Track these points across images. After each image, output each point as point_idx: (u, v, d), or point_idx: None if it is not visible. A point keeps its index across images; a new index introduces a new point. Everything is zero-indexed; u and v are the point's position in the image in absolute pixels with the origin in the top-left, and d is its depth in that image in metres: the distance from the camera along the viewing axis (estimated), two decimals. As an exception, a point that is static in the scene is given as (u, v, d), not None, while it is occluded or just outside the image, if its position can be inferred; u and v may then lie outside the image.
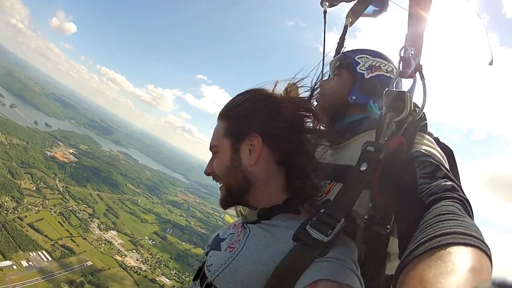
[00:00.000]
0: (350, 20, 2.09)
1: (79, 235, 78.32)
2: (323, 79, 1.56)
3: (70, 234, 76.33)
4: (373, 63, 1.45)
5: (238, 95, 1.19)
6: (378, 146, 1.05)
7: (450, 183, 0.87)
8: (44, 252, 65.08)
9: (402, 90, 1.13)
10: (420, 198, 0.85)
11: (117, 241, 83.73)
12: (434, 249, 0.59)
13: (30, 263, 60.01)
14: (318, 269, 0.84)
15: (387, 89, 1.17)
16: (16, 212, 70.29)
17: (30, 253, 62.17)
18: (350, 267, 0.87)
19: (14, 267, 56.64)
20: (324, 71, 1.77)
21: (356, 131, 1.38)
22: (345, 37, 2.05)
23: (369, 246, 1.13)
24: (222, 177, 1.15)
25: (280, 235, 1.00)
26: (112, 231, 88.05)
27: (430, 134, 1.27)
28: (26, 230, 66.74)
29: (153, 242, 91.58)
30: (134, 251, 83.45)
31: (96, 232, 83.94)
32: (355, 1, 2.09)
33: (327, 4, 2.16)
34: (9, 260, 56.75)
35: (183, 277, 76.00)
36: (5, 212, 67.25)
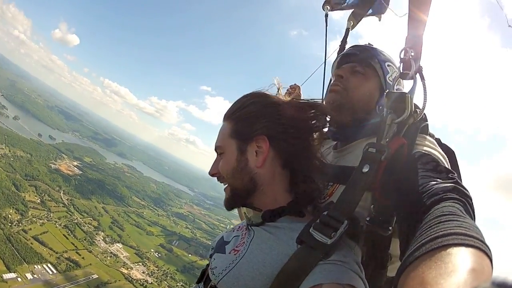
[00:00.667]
0: (352, 23, 2.15)
1: (85, 248, 77.46)
2: (341, 68, 1.51)
3: (75, 247, 75.53)
4: (397, 75, 1.37)
5: (245, 97, 1.19)
6: (380, 148, 1.05)
7: (451, 184, 0.86)
8: (49, 265, 64.19)
9: (403, 91, 1.14)
10: (421, 199, 0.85)
11: (122, 254, 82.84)
12: (434, 250, 0.59)
13: (35, 275, 59.09)
14: (322, 271, 0.84)
15: (387, 90, 1.18)
16: (20, 224, 69.69)
17: (35, 266, 61.34)
18: (354, 269, 0.87)
19: (19, 279, 55.69)
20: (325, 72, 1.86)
21: (360, 134, 1.39)
22: (347, 40, 2.08)
23: (371, 248, 1.13)
24: (227, 178, 1.14)
25: (284, 238, 1.00)
26: (117, 244, 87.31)
27: (432, 135, 1.27)
28: (31, 243, 66.04)
29: (159, 255, 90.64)
30: (140, 263, 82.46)
31: (102, 245, 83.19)
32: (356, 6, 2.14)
33: (329, 7, 2.19)
34: (14, 272, 55.91)
35: (190, 289, 74.30)
36: (10, 224, 66.71)
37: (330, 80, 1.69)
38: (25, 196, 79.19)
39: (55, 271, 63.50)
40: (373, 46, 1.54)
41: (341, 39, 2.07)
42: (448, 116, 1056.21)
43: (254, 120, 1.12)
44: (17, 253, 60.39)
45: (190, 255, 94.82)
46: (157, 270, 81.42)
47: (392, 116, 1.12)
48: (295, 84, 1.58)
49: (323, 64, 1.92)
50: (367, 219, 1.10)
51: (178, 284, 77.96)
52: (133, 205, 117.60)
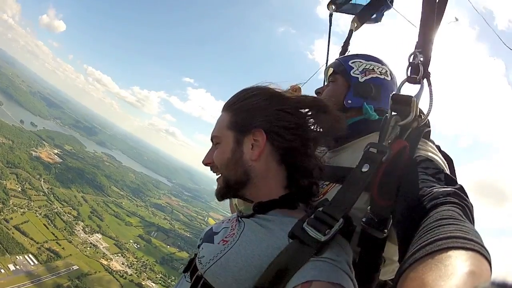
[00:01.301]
0: (356, 25, 2.15)
1: (65, 238, 77.23)
2: (319, 87, 1.64)
3: (56, 237, 75.18)
4: (367, 67, 1.48)
5: (246, 89, 1.18)
6: (381, 148, 1.05)
7: (451, 188, 0.86)
8: (30, 255, 63.90)
9: (409, 94, 1.12)
10: (421, 203, 0.84)
11: (102, 245, 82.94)
12: (434, 253, 0.59)
13: (17, 266, 58.95)
14: (313, 268, 0.82)
15: (394, 93, 1.16)
16: (2, 213, 68.64)
17: (17, 257, 61.06)
18: (345, 270, 0.85)
19: (2, 271, 55.65)
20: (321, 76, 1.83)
21: (354, 134, 1.39)
22: (350, 42, 2.12)
23: (364, 250, 1.11)
24: (221, 168, 1.12)
25: (275, 231, 0.98)
26: (97, 234, 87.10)
27: (432, 142, 1.28)
28: (12, 233, 65.39)
29: (138, 246, 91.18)
30: (120, 254, 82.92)
31: (81, 235, 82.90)
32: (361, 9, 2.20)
33: (333, 7, 2.25)
34: (-3, 263, 55.52)
35: (169, 281, 76.04)
36: (-8, 213, 65.52)
37: (324, 83, 1.76)
38: (6, 184, 77.81)
39: (36, 262, 63.37)
40: (347, 55, 1.69)
41: (344, 40, 2.12)
42: (430, 121, 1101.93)
43: (254, 113, 1.10)
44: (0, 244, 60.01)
45: (168, 246, 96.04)
46: (136, 262, 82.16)
47: (396, 118, 1.11)
48: (296, 85, 1.59)
49: (324, 65, 1.91)
50: (363, 220, 1.08)
51: (157, 276, 79.45)
52: (112, 195, 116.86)
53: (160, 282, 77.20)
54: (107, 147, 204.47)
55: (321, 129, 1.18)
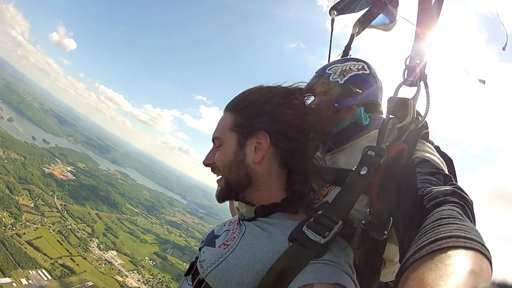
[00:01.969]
0: (357, 29, 2.13)
1: (79, 254, 75.74)
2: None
3: (70, 253, 73.87)
4: (343, 68, 1.49)
5: (249, 90, 1.17)
6: (379, 151, 1.06)
7: (450, 188, 0.87)
8: (43, 270, 62.48)
9: (406, 97, 1.14)
10: (421, 203, 0.85)
11: (117, 261, 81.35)
12: (434, 253, 0.59)
13: (30, 281, 57.45)
14: (313, 271, 0.83)
15: (391, 96, 1.18)
16: (14, 228, 67.91)
17: (30, 271, 59.52)
18: (345, 271, 0.86)
19: (14, 284, 53.99)
20: None
21: (348, 136, 1.42)
22: (351, 46, 2.07)
23: (364, 252, 1.11)
24: (222, 170, 1.11)
25: (276, 234, 0.98)
26: (112, 251, 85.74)
27: (431, 143, 1.28)
28: (25, 248, 64.31)
29: (154, 263, 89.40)
30: (135, 271, 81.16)
31: (96, 252, 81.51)
32: (364, 11, 2.15)
33: (335, 13, 2.23)
34: (9, 277, 54.13)
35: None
36: (3, 227, 64.84)
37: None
38: (18, 200, 77.26)
39: (50, 277, 61.76)
40: (323, 65, 1.65)
41: (345, 45, 2.09)
42: (442, 130, 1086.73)
43: (257, 115, 1.09)
44: (11, 258, 58.53)
45: (184, 263, 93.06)
46: (152, 278, 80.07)
47: (393, 120, 1.13)
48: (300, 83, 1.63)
49: None
50: (363, 222, 1.09)
51: (174, 292, 76.39)
52: (126, 212, 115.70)
53: (177, 299, 73.72)
54: (120, 165, 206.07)
55: (318, 131, 1.19)
